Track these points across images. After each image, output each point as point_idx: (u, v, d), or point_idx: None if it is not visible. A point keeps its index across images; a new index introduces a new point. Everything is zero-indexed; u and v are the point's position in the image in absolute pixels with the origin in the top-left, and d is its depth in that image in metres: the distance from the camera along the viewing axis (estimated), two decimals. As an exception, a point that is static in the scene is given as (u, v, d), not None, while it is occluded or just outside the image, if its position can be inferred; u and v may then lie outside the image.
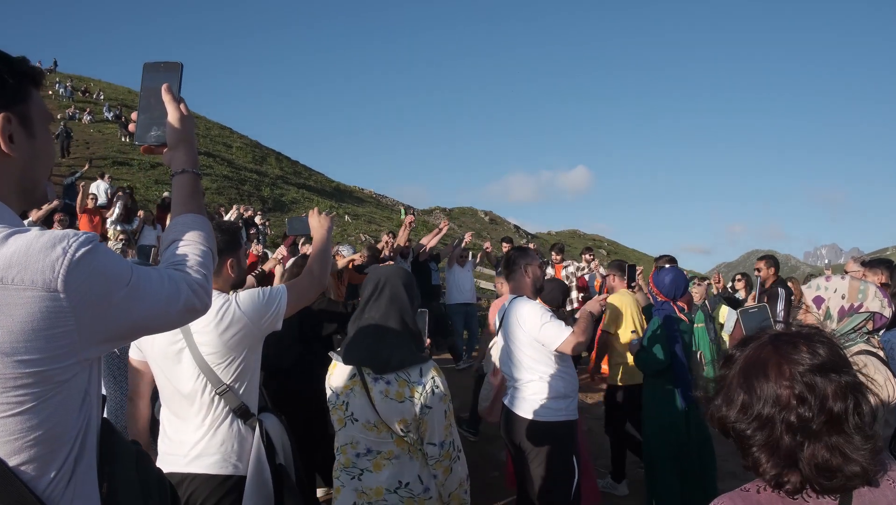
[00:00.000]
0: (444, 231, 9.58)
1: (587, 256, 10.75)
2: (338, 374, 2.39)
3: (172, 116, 1.52)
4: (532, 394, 3.52)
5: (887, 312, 2.46)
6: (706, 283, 8.82)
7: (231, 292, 2.48)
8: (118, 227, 11.01)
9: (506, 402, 3.71)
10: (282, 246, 7.43)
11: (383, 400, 2.25)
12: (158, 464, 2.35)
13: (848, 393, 1.22)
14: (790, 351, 1.26)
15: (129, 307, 1.18)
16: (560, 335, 3.36)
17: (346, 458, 2.36)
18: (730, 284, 9.46)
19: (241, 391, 2.41)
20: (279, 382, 4.26)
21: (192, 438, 2.38)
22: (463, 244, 9.79)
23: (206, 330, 2.31)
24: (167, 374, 2.39)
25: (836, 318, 2.50)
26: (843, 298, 2.50)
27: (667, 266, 5.25)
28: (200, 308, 1.33)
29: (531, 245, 10.19)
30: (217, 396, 2.36)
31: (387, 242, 9.09)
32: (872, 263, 4.32)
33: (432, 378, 2.26)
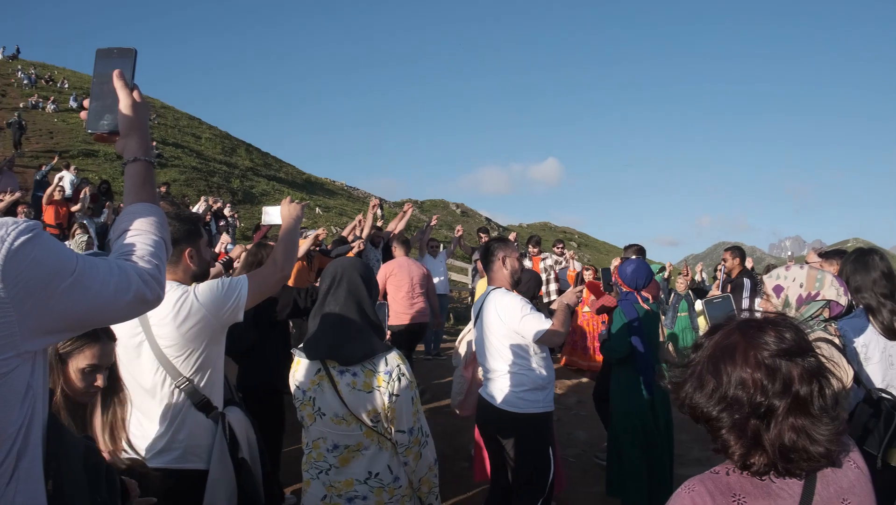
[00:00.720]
0: (408, 214, 9.53)
1: (557, 249, 10.83)
2: (303, 370, 2.38)
3: (124, 104, 1.48)
4: (511, 385, 3.53)
5: (843, 301, 2.55)
6: (667, 273, 8.96)
7: (193, 284, 2.44)
8: (84, 221, 10.79)
9: (483, 393, 3.71)
10: (254, 238, 7.31)
11: (351, 392, 2.26)
12: (127, 456, 2.32)
13: (813, 377, 1.26)
14: (757, 336, 1.29)
15: (74, 298, 1.14)
16: (540, 327, 3.39)
17: (318, 452, 2.36)
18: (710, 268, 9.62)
19: (201, 384, 2.39)
20: (236, 367, 4.26)
21: (153, 433, 2.36)
22: (430, 230, 9.74)
23: (164, 322, 2.29)
24: (128, 368, 2.35)
25: (795, 305, 2.58)
26: (801, 286, 2.58)
27: (632, 257, 5.34)
28: (152, 299, 1.30)
29: (511, 235, 10.19)
30: (177, 390, 2.34)
31: (359, 222, 8.95)
32: (828, 254, 4.44)
33: (397, 366, 2.28)
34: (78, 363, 1.87)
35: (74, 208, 11.50)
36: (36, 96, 31.50)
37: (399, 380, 2.26)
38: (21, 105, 29.51)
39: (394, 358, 2.30)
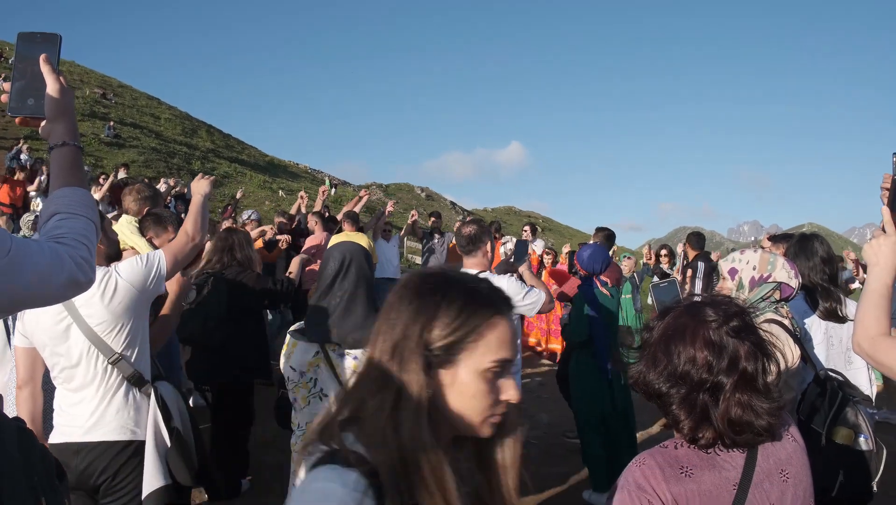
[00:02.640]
0: (364, 200, 9.50)
1: (525, 232, 10.98)
2: (299, 352, 2.40)
3: (52, 88, 1.48)
4: None
5: (793, 283, 2.67)
6: (632, 260, 9.14)
7: (112, 264, 2.54)
8: (39, 200, 10.54)
9: None
10: (222, 218, 7.25)
11: (352, 375, 2.28)
12: (55, 436, 2.43)
13: (758, 354, 1.34)
14: (705, 316, 1.38)
15: (8, 278, 1.14)
16: (540, 297, 3.55)
17: None
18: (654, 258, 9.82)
19: (132, 358, 2.49)
20: (208, 360, 4.24)
21: (87, 409, 2.43)
22: (385, 214, 9.74)
23: (92, 302, 2.37)
24: (58, 351, 2.43)
25: (748, 287, 2.70)
26: (753, 269, 2.71)
27: (589, 242, 5.46)
28: (84, 282, 1.31)
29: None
30: (110, 366, 2.43)
31: (301, 198, 8.90)
32: (777, 237, 4.60)
33: None
34: None
35: (31, 188, 11.23)
36: (-14, 73, 30.44)
37: None
38: (-30, 82, 28.51)
39: None
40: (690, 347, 1.35)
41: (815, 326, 3.07)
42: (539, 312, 3.64)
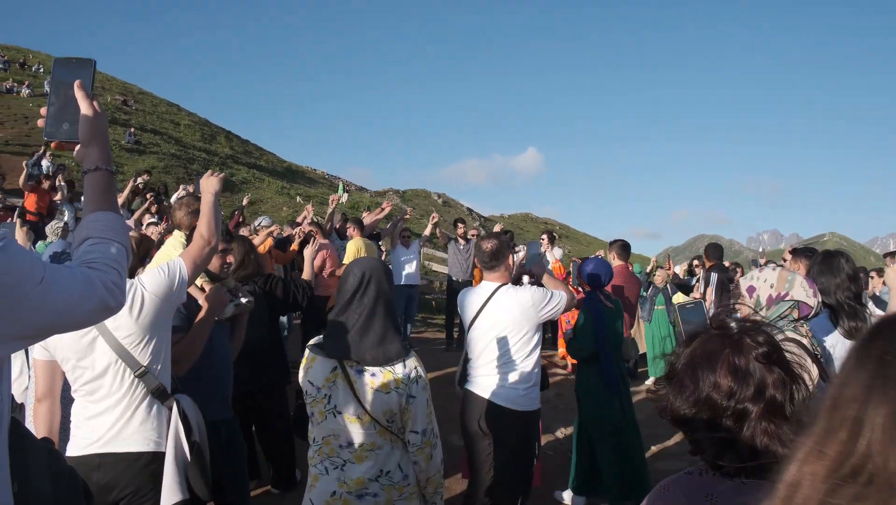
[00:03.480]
0: (386, 211, 9.49)
1: (543, 240, 10.94)
2: (318, 367, 2.39)
3: (86, 114, 1.51)
4: (513, 383, 3.57)
5: (812, 302, 2.63)
6: (664, 271, 9.09)
7: (136, 276, 2.55)
8: (66, 208, 10.66)
9: (476, 390, 3.67)
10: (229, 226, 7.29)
11: (369, 392, 2.28)
12: (73, 448, 2.42)
13: (787, 382, 1.31)
14: (733, 342, 1.35)
15: (41, 305, 1.16)
16: (563, 298, 3.63)
17: (329, 448, 2.37)
18: (683, 267, 9.78)
19: (157, 371, 2.50)
20: (253, 363, 4.25)
21: (109, 420, 2.43)
22: (403, 221, 9.73)
23: (120, 315, 2.35)
24: (82, 364, 2.42)
25: (766, 305, 2.69)
26: (771, 287, 2.70)
27: (592, 256, 5.45)
28: (115, 306, 1.33)
29: (497, 227, 10.20)
30: (136, 379, 2.44)
31: (308, 211, 8.93)
32: (797, 251, 4.52)
33: (415, 368, 2.33)
34: None
35: (56, 198, 11.37)
36: (10, 81, 30.92)
37: (416, 382, 2.31)
38: (-6, 89, 28.99)
39: (412, 360, 2.34)
40: (716, 374, 1.32)
41: (840, 345, 3.00)
42: (566, 309, 3.73)
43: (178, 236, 3.47)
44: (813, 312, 2.67)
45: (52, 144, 1.55)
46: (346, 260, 7.49)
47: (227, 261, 3.33)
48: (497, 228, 9.99)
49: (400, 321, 10.20)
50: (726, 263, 10.19)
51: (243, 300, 3.35)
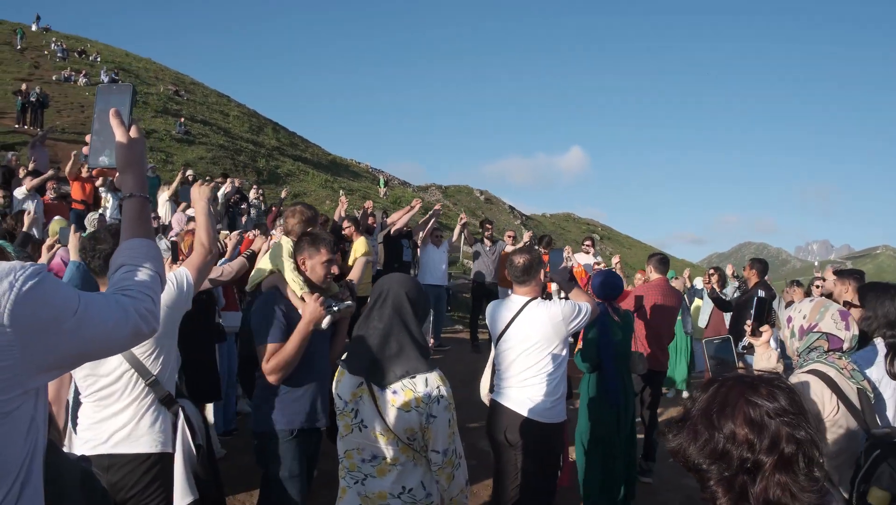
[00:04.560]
0: (415, 209, 9.53)
1: (586, 246, 10.93)
2: (346, 381, 2.44)
3: (121, 140, 1.55)
4: (543, 396, 3.60)
5: (842, 335, 2.60)
6: (681, 280, 8.99)
7: None
8: (108, 195, 10.93)
9: (504, 402, 3.71)
10: (267, 220, 7.38)
11: (390, 409, 2.30)
12: (83, 448, 2.53)
13: (800, 437, 1.31)
14: (751, 393, 1.35)
15: (77, 336, 1.20)
16: (587, 310, 3.69)
17: (350, 462, 2.42)
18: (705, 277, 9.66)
19: (165, 379, 2.64)
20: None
21: (119, 423, 2.56)
22: (433, 220, 9.75)
23: None
24: (95, 372, 2.55)
25: (798, 336, 2.70)
26: (804, 318, 2.69)
27: (602, 268, 5.43)
28: (147, 332, 1.37)
29: (526, 235, 10.21)
30: (147, 388, 2.58)
31: (342, 203, 9.09)
32: (843, 273, 4.41)
33: (437, 387, 2.30)
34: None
35: (98, 183, 11.65)
36: (68, 69, 31.87)
37: (438, 401, 2.28)
38: (53, 78, 29.87)
39: (434, 379, 2.32)
40: (732, 423, 1.33)
41: (885, 381, 2.93)
42: (590, 318, 3.77)
43: (286, 242, 3.50)
44: (848, 346, 2.63)
45: (94, 172, 1.62)
46: (353, 257, 7.56)
47: (333, 271, 3.36)
48: (526, 237, 9.98)
49: (430, 324, 10.23)
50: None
51: (344, 304, 3.33)
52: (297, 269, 3.33)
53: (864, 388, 2.54)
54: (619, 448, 4.64)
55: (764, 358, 2.88)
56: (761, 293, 6.66)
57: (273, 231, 7.74)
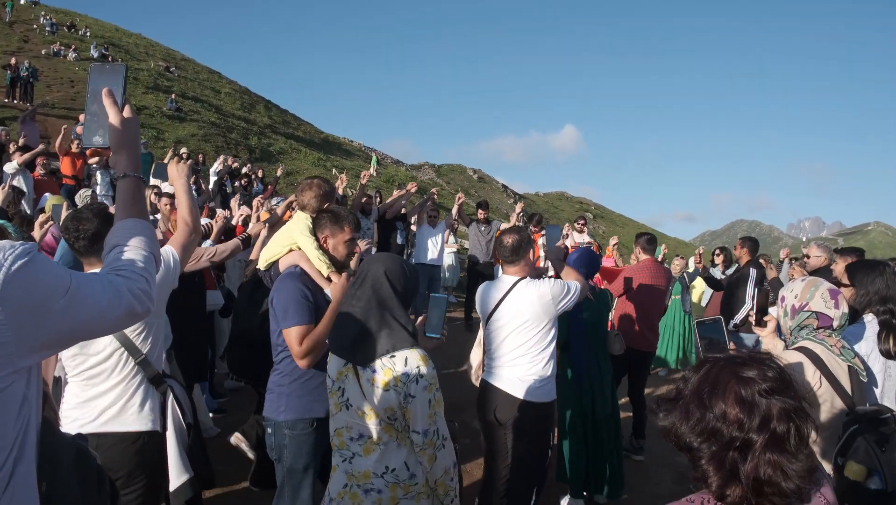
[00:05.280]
0: (409, 192, 9.54)
1: (579, 224, 11.00)
2: (333, 361, 2.44)
3: (114, 121, 1.54)
4: (532, 375, 3.62)
5: (831, 313, 2.68)
6: (683, 260, 9.05)
7: None
8: (99, 174, 10.85)
9: (494, 382, 3.73)
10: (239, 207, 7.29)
11: (370, 388, 2.28)
12: (70, 427, 2.53)
13: (791, 415, 1.32)
14: (741, 372, 1.37)
15: (69, 315, 1.20)
16: (577, 290, 3.69)
17: (340, 440, 2.41)
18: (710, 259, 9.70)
19: (154, 357, 2.65)
20: (264, 353, 4.34)
21: (106, 402, 2.56)
22: (429, 203, 9.83)
23: None
24: (85, 352, 2.54)
25: (790, 315, 2.79)
26: (795, 297, 2.78)
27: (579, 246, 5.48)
28: (142, 312, 1.36)
29: (519, 206, 10.23)
30: (137, 367, 2.58)
31: (342, 181, 8.60)
32: (845, 251, 4.46)
33: (417, 367, 2.25)
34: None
35: (92, 161, 11.55)
36: (58, 44, 31.44)
37: (416, 381, 2.24)
38: (43, 52, 29.48)
39: (415, 357, 2.27)
40: (723, 403, 1.34)
41: (874, 355, 2.99)
42: (579, 300, 3.77)
43: (303, 218, 3.39)
44: (838, 323, 2.70)
45: (87, 152, 1.61)
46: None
47: (355, 250, 3.28)
48: (518, 207, 10.01)
49: (423, 303, 10.21)
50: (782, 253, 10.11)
51: None
52: (320, 246, 3.24)
53: (854, 365, 2.60)
54: (601, 429, 4.65)
55: (770, 348, 2.91)
56: (753, 271, 6.72)
57: (262, 210, 7.67)
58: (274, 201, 9.03)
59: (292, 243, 3.32)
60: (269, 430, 3.05)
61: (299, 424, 2.97)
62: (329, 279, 3.13)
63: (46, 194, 8.09)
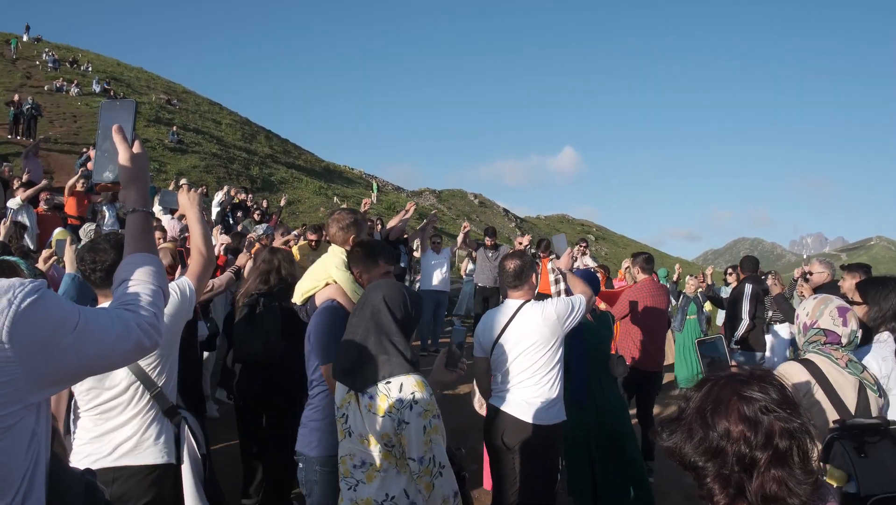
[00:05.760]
0: (409, 213, 9.58)
1: (580, 247, 10.99)
2: (339, 388, 2.44)
3: (123, 157, 1.56)
4: (539, 398, 3.60)
5: (839, 330, 2.73)
6: (696, 279, 9.03)
7: None
8: (106, 210, 10.90)
9: (500, 406, 3.70)
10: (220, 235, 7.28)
11: (367, 414, 2.28)
12: (83, 462, 2.49)
13: (793, 431, 1.33)
14: (743, 390, 1.37)
15: (78, 351, 1.21)
16: (582, 303, 3.69)
17: (345, 468, 2.41)
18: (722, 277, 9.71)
19: (168, 389, 2.62)
20: (266, 375, 4.34)
21: (123, 436, 2.53)
22: (429, 226, 9.81)
23: None
24: (101, 385, 2.52)
25: (802, 333, 2.87)
26: (807, 315, 2.86)
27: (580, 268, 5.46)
28: (150, 346, 1.37)
29: (526, 239, 10.27)
30: (152, 400, 2.56)
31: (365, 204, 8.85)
32: (852, 267, 4.46)
33: (412, 393, 2.23)
34: None
35: (97, 199, 11.62)
36: (61, 80, 31.80)
37: (411, 407, 2.22)
38: (45, 88, 29.81)
39: (411, 384, 2.26)
40: (727, 421, 1.35)
41: (874, 367, 2.99)
42: (585, 313, 3.76)
43: (338, 252, 3.35)
44: (847, 340, 2.74)
45: (97, 187, 1.64)
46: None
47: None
48: (526, 240, 10.02)
49: (430, 329, 10.09)
50: (768, 279, 10.07)
51: None
52: (356, 280, 3.19)
53: (864, 379, 2.63)
54: (605, 450, 4.58)
55: None
56: (749, 287, 6.73)
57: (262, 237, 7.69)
58: (261, 229, 9.04)
59: (328, 277, 3.28)
60: (300, 465, 3.02)
61: (331, 462, 2.86)
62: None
63: (58, 228, 8.13)
